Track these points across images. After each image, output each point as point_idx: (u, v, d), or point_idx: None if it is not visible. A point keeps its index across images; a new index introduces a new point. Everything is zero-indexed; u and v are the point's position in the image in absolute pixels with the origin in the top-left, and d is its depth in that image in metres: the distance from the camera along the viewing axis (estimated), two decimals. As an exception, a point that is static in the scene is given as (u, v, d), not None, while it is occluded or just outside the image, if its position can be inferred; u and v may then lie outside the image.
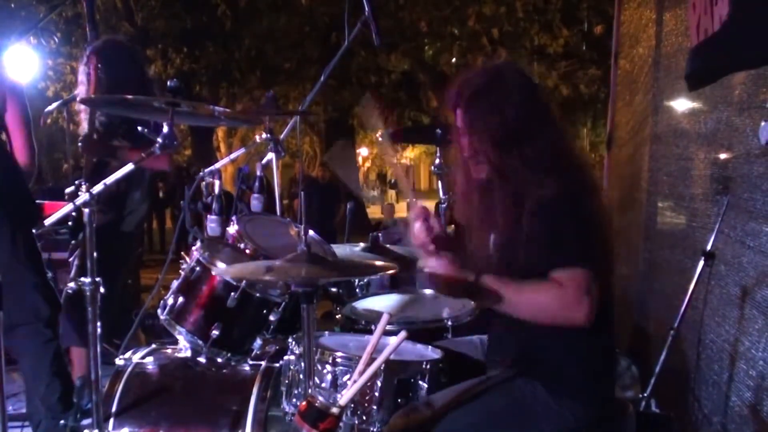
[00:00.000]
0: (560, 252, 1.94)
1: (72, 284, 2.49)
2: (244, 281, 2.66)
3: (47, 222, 2.48)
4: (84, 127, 3.82)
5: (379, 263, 2.75)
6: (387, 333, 2.23)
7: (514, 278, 2.02)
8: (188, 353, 2.81)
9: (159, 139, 2.44)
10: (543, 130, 2.06)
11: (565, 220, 1.96)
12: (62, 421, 3.24)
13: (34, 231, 3.29)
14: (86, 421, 2.87)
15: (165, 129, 2.45)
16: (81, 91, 3.89)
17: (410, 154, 34.80)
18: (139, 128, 2.53)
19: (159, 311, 2.83)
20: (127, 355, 2.82)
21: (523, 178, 2.02)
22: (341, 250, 3.43)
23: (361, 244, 3.60)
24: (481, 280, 2.00)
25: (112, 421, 2.64)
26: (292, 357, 2.41)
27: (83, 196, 2.39)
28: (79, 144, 3.69)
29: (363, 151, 30.33)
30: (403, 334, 1.93)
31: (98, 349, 2.48)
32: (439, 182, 3.81)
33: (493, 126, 2.05)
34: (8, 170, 3.27)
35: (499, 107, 2.05)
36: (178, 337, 2.80)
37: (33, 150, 3.40)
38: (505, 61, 2.29)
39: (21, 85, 3.47)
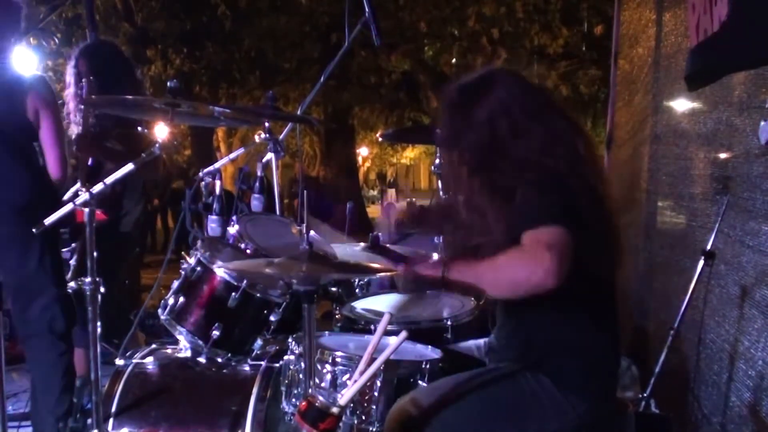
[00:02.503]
0: (529, 217, 1.87)
1: (72, 284, 2.49)
2: (245, 281, 2.67)
3: (47, 222, 2.48)
4: (73, 130, 3.81)
5: (378, 263, 2.75)
6: (387, 333, 2.23)
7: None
8: (188, 353, 2.81)
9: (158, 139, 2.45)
10: (534, 133, 2.04)
11: (545, 193, 1.91)
12: (61, 423, 3.24)
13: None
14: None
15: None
16: (69, 92, 3.89)
17: (410, 154, 34.81)
18: (139, 128, 2.53)
19: (159, 311, 2.83)
20: (127, 355, 2.83)
21: (510, 180, 2.00)
22: (341, 249, 3.42)
23: (361, 244, 3.59)
24: (449, 273, 1.94)
25: (111, 421, 2.64)
26: (292, 357, 2.42)
27: (83, 196, 2.40)
28: (74, 145, 3.68)
29: (363, 151, 30.31)
30: (403, 334, 1.93)
31: (98, 349, 2.49)
32: (439, 182, 3.80)
33: (474, 134, 2.05)
34: (34, 185, 3.25)
35: (479, 115, 2.05)
36: (179, 337, 2.81)
37: (66, 164, 3.37)
38: (493, 68, 2.29)
39: (55, 99, 3.44)
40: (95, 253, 2.48)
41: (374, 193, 37.30)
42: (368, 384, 2.16)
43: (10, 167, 3.25)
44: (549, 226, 1.82)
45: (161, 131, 3.62)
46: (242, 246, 2.86)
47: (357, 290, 3.28)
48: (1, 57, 3.30)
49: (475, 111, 2.07)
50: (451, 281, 1.94)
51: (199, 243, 2.82)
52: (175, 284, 2.83)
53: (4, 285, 3.23)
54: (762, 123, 2.32)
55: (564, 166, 1.99)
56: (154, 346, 2.95)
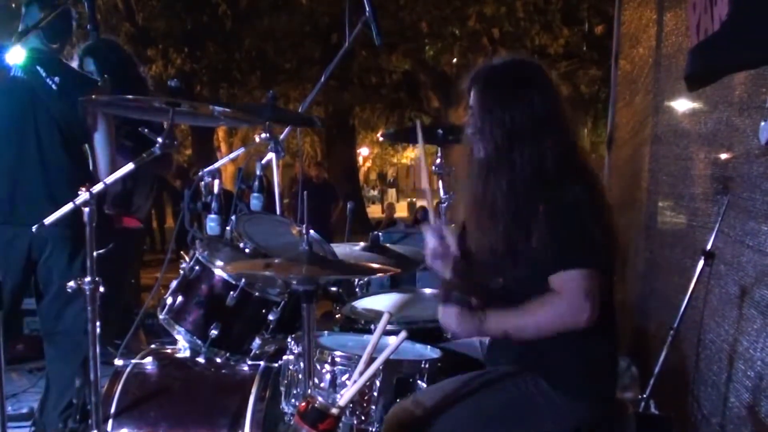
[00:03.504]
0: (559, 255, 1.94)
1: (72, 283, 2.49)
2: (243, 280, 2.66)
3: (47, 222, 2.48)
4: None
5: (379, 263, 2.76)
6: (387, 333, 2.23)
7: (517, 283, 2.03)
8: (187, 353, 2.81)
9: (159, 139, 2.45)
10: (554, 133, 2.05)
11: (567, 223, 1.96)
12: (61, 423, 3.24)
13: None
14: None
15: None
16: None
17: (411, 154, 34.79)
18: (140, 129, 2.53)
19: (158, 311, 2.83)
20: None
21: (521, 177, 2.01)
22: (341, 249, 3.42)
23: (361, 244, 3.59)
24: (486, 326, 2.01)
25: (111, 421, 2.64)
26: (291, 357, 2.41)
27: (83, 196, 2.40)
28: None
29: (363, 151, 30.32)
30: (403, 334, 1.93)
31: (98, 349, 2.49)
32: (440, 182, 3.80)
33: (505, 118, 2.05)
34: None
35: (518, 102, 2.06)
36: (177, 336, 2.80)
37: (115, 169, 3.42)
38: (532, 59, 2.31)
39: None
40: (99, 253, 2.48)
41: (375, 193, 37.33)
42: (367, 384, 2.15)
43: (68, 168, 3.30)
44: (579, 269, 1.92)
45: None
46: (241, 245, 2.86)
47: (357, 290, 3.28)
48: (60, 57, 3.40)
49: (517, 101, 2.06)
50: (488, 332, 2.04)
51: (197, 242, 2.82)
52: (174, 284, 2.83)
53: (46, 283, 3.29)
54: (762, 123, 2.31)
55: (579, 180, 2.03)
56: (153, 346, 2.95)
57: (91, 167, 3.43)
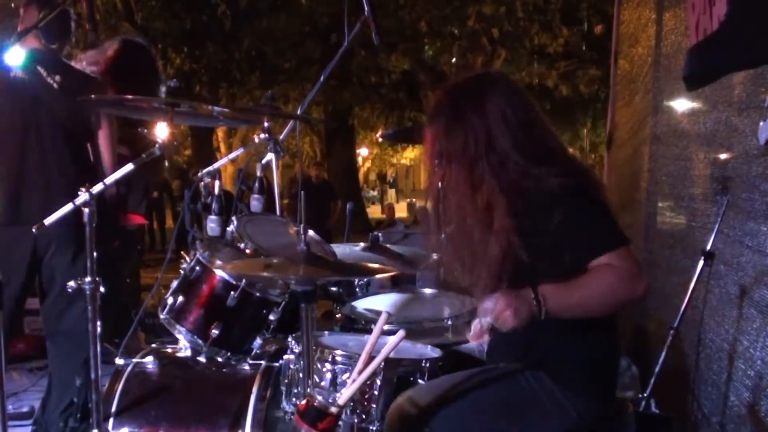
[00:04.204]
0: (597, 241, 1.92)
1: (72, 283, 2.50)
2: (243, 280, 2.67)
3: (47, 222, 2.48)
4: None
5: (379, 263, 2.76)
6: (386, 332, 2.23)
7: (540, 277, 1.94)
8: (188, 353, 2.81)
9: (159, 139, 2.45)
10: (524, 133, 2.02)
11: (587, 211, 1.95)
12: (62, 423, 3.25)
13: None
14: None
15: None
16: None
17: (410, 154, 34.81)
18: (139, 129, 2.54)
19: (159, 310, 2.84)
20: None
21: (510, 180, 2.00)
22: (341, 249, 3.42)
23: (361, 244, 3.59)
24: (547, 306, 1.85)
25: (111, 420, 2.64)
26: (292, 356, 2.42)
27: (83, 196, 2.40)
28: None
29: (363, 151, 30.31)
30: (401, 333, 1.92)
31: (98, 349, 2.49)
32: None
33: (450, 150, 2.03)
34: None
35: (456, 133, 2.02)
36: (178, 336, 2.81)
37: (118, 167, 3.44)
38: (480, 71, 2.26)
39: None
40: (98, 253, 2.49)
41: (374, 193, 37.33)
42: (368, 383, 2.16)
43: (71, 167, 3.31)
44: (622, 247, 1.91)
45: (162, 131, 3.65)
46: (241, 246, 2.86)
47: (357, 290, 3.28)
48: (60, 56, 3.41)
49: (475, 115, 2.01)
50: (551, 313, 1.87)
51: (198, 243, 2.82)
52: (175, 284, 2.83)
53: (49, 282, 3.30)
54: (761, 123, 2.32)
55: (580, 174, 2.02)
56: (153, 345, 2.95)
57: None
